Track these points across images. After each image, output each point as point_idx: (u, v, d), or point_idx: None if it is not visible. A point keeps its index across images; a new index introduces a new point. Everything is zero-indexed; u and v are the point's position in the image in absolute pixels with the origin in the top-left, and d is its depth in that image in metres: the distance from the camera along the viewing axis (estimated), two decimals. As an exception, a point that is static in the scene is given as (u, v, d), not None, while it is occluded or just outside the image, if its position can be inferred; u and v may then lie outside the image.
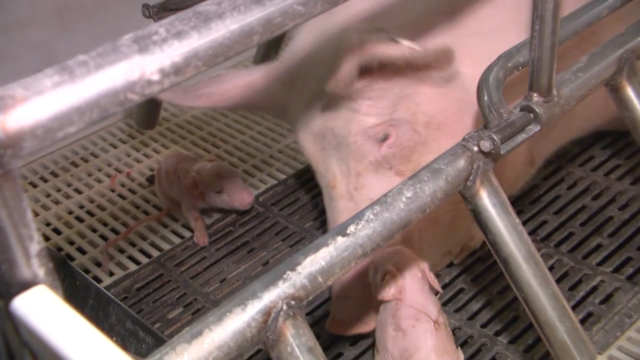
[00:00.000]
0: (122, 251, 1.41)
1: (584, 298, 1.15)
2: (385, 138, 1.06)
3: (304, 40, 1.15)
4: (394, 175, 1.08)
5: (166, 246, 1.41)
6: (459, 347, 1.00)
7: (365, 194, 1.07)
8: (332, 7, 0.60)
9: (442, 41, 1.02)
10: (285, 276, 0.66)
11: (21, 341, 0.51)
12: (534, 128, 0.81)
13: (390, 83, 1.04)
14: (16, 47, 1.66)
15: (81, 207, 1.52)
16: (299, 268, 0.67)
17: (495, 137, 0.78)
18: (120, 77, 0.48)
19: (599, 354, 1.02)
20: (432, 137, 1.07)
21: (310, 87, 1.10)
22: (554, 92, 0.82)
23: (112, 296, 1.18)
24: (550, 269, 1.17)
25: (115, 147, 1.69)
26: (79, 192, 1.56)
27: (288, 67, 1.15)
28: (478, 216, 0.81)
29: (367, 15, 1.07)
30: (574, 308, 1.13)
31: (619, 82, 0.92)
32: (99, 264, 1.38)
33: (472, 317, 1.16)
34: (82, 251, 1.41)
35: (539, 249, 0.91)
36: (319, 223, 1.40)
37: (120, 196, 1.54)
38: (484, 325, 1.15)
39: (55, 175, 1.63)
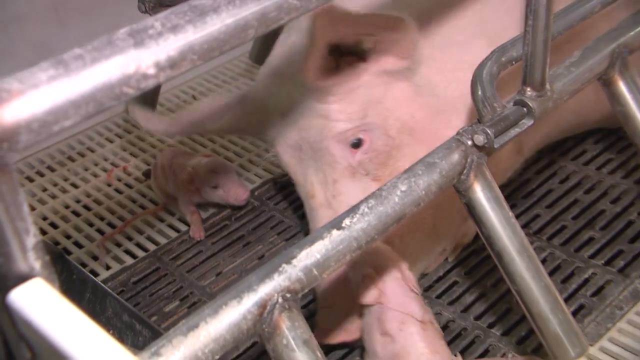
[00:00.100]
0: (118, 245, 1.41)
1: (576, 290, 1.16)
2: (358, 143, 1.06)
3: (276, 57, 1.16)
4: (371, 181, 1.07)
5: (162, 240, 1.41)
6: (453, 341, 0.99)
7: (343, 200, 1.05)
8: (327, 1, 0.61)
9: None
10: (280, 269, 0.67)
11: (18, 334, 0.51)
12: (527, 122, 0.82)
13: (358, 81, 1.04)
14: (13, 42, 1.66)
15: (78, 201, 1.53)
16: (294, 261, 0.67)
17: (489, 131, 0.78)
18: (116, 71, 0.48)
19: (591, 345, 1.03)
20: (405, 142, 1.07)
21: (283, 100, 1.11)
22: (547, 86, 0.83)
23: (108, 289, 1.19)
24: (543, 262, 1.18)
25: (111, 141, 1.69)
26: (75, 186, 1.57)
27: (260, 86, 1.16)
28: (472, 210, 0.82)
29: None
30: (566, 300, 1.13)
31: (611, 76, 0.93)
32: (95, 258, 1.38)
33: (465, 310, 1.17)
34: (78, 245, 1.42)
35: (531, 242, 0.91)
36: (315, 217, 1.40)
37: (117, 190, 1.54)
38: (477, 318, 1.15)
39: (52, 169, 1.63)
